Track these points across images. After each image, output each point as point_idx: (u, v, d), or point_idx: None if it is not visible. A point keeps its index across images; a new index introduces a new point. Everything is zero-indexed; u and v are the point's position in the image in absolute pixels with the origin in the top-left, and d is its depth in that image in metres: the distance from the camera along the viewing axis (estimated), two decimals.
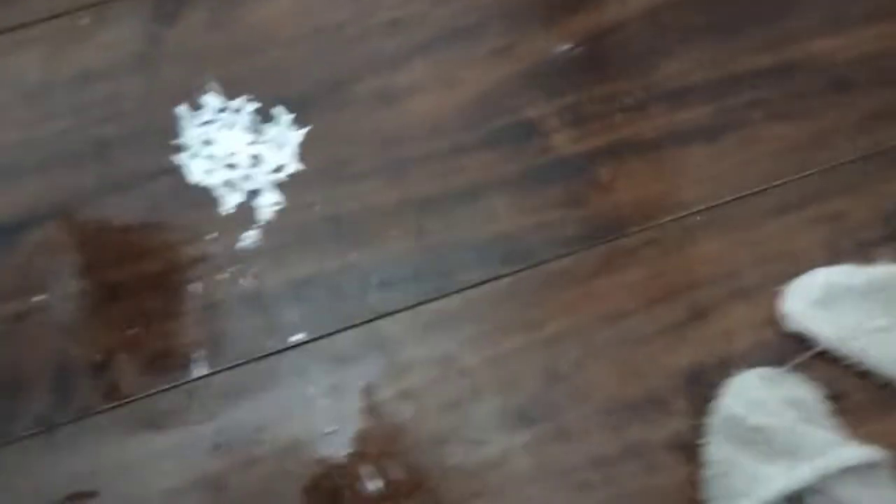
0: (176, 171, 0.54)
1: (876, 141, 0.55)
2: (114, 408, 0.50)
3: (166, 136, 0.54)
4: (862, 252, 0.53)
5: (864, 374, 0.50)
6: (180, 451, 0.49)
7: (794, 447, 0.46)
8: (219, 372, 0.51)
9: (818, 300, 0.51)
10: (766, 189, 0.54)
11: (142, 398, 0.50)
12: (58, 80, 0.55)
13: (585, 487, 0.49)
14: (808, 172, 0.54)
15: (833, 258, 0.53)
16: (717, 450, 0.48)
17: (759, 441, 0.47)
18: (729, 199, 0.54)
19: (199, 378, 0.50)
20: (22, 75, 0.55)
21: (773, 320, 0.52)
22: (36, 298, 0.52)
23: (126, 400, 0.50)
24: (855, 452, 0.45)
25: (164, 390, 0.50)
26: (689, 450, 0.49)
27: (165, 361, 0.51)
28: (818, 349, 0.50)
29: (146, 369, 0.51)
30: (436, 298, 0.52)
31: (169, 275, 0.52)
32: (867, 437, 0.49)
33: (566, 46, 0.56)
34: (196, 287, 0.52)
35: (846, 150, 0.55)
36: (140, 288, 0.52)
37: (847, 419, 0.50)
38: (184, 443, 0.49)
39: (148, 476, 0.49)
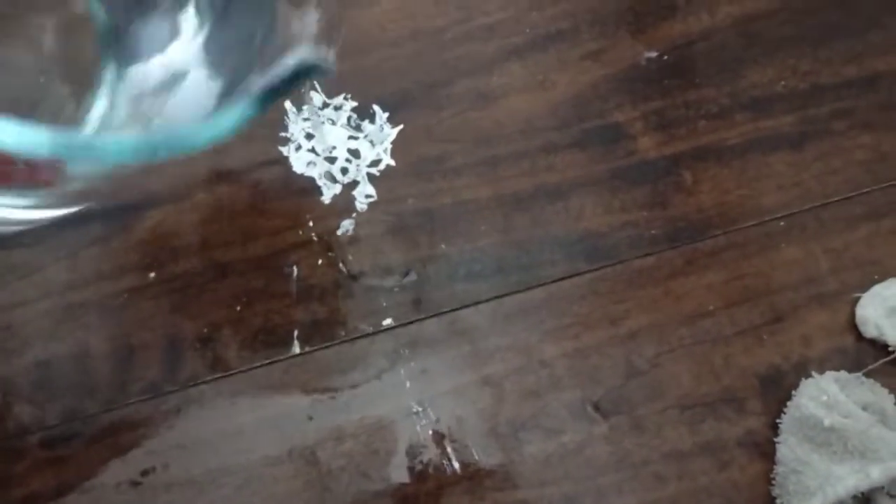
0: (281, 162, 0.57)
1: None
2: (217, 379, 0.54)
3: (274, 128, 0.58)
4: None
5: None
6: (277, 421, 0.53)
7: (867, 449, 0.47)
8: (314, 350, 0.54)
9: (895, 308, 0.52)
10: (848, 198, 0.55)
11: (243, 371, 0.54)
12: None
13: (659, 480, 0.51)
14: (890, 183, 0.55)
15: None
16: (790, 448, 0.49)
17: (832, 441, 0.48)
18: (811, 206, 0.55)
19: (297, 355, 0.54)
20: None
21: (850, 327, 0.53)
22: (151, 275, 0.56)
23: (229, 372, 0.54)
24: None
25: (263, 365, 0.54)
26: (761, 448, 0.51)
27: (266, 338, 0.54)
28: (894, 356, 0.51)
29: (248, 344, 0.54)
30: (519, 291, 0.55)
31: (272, 258, 0.56)
32: None
33: (654, 53, 0.58)
34: (296, 270, 0.55)
35: None
36: (245, 269, 0.56)
37: None
38: (281, 414, 0.53)
39: (248, 444, 0.52)
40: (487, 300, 0.55)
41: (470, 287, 0.55)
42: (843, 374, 0.51)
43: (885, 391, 0.51)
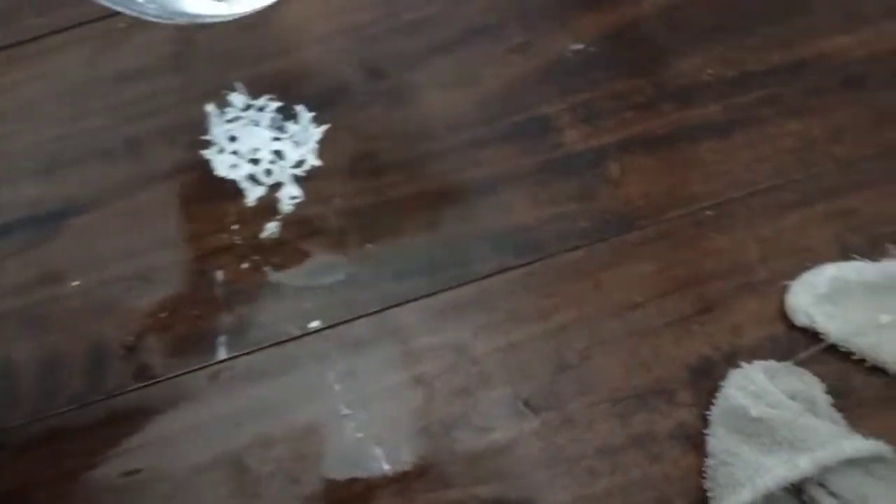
0: (204, 166, 0.56)
1: (889, 138, 0.55)
2: (143, 387, 0.53)
3: (196, 132, 0.57)
4: (873, 248, 0.53)
5: (872, 370, 0.51)
6: (204, 428, 0.52)
7: (795, 439, 0.47)
8: (241, 356, 0.53)
9: (826, 295, 0.51)
10: (777, 185, 0.55)
11: (169, 378, 0.53)
12: (96, 81, 0.58)
13: (591, 475, 0.50)
14: (819, 169, 0.55)
15: (843, 254, 0.53)
16: (720, 440, 0.49)
17: (760, 432, 0.47)
18: (740, 194, 0.55)
19: (223, 361, 0.53)
20: (63, 75, 0.59)
21: (781, 315, 0.53)
22: (74, 283, 0.55)
23: (155, 380, 0.53)
24: (856, 445, 0.46)
25: (189, 371, 0.53)
26: (693, 440, 0.51)
27: (192, 344, 0.53)
28: (826, 344, 0.51)
29: (174, 351, 0.53)
30: (449, 288, 0.54)
31: (196, 263, 0.55)
32: (874, 432, 0.49)
33: (580, 45, 0.58)
34: (221, 275, 0.54)
35: (858, 147, 0.55)
36: (169, 275, 0.55)
37: (854, 414, 0.50)
38: (208, 421, 0.52)
39: (175, 452, 0.52)
40: (417, 298, 0.54)
41: (399, 286, 0.54)
42: (772, 363, 0.50)
43: (814, 379, 0.50)
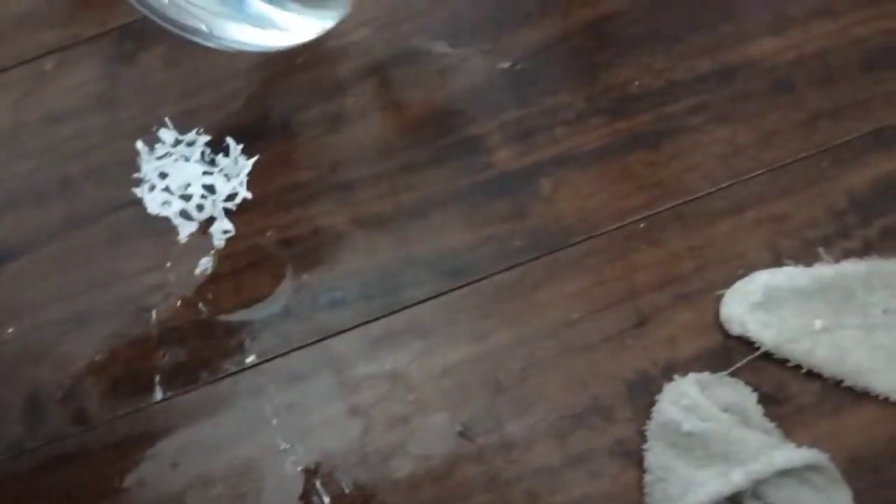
0: (136, 204, 0.56)
1: (820, 140, 0.55)
2: (81, 432, 0.53)
3: (126, 170, 0.57)
4: (806, 252, 0.53)
5: (809, 376, 0.51)
6: (143, 471, 0.52)
7: (728, 452, 0.46)
8: (177, 395, 0.53)
9: (759, 303, 0.51)
10: (708, 193, 0.54)
11: (106, 422, 0.53)
12: (26, 123, 0.58)
13: (531, 497, 0.50)
14: (751, 175, 0.55)
15: (777, 259, 0.53)
16: (655, 456, 0.49)
17: (694, 446, 0.47)
18: (671, 205, 0.54)
19: (160, 402, 0.53)
20: None
21: (716, 325, 0.52)
22: (9, 330, 0.55)
23: (92, 425, 0.53)
24: (789, 455, 0.46)
25: (126, 414, 0.53)
26: (632, 456, 0.50)
27: (128, 386, 0.53)
28: (760, 352, 0.51)
29: (110, 394, 0.53)
30: (384, 315, 0.54)
31: (130, 302, 0.55)
32: (816, 439, 0.49)
33: (508, 63, 0.58)
34: (155, 314, 0.54)
35: (790, 151, 0.55)
36: (104, 316, 0.54)
37: (792, 421, 0.50)
38: (146, 463, 0.52)
39: (114, 497, 0.51)
40: (353, 328, 0.54)
41: (334, 316, 0.54)
42: (705, 375, 0.50)
43: (747, 390, 0.50)
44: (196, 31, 0.49)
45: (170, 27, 0.49)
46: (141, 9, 0.48)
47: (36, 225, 0.57)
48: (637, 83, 0.57)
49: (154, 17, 0.49)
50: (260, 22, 0.50)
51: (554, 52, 0.58)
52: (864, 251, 0.53)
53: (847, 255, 0.53)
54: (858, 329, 0.50)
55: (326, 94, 0.58)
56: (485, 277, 0.54)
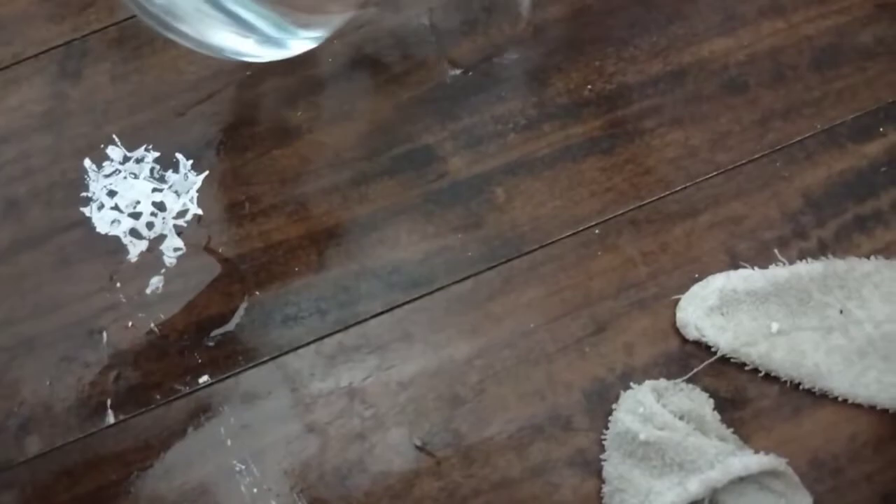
0: (84, 224, 0.55)
1: (773, 140, 0.55)
2: (31, 459, 0.52)
3: (74, 189, 0.56)
4: (762, 253, 0.53)
5: (766, 379, 0.50)
6: (98, 496, 0.51)
7: (684, 461, 0.46)
8: (129, 418, 0.52)
9: (715, 306, 0.51)
10: (662, 197, 0.54)
11: (57, 448, 0.52)
12: None
13: None
14: (705, 177, 0.54)
15: (732, 262, 0.53)
16: (613, 466, 0.48)
17: (651, 456, 0.47)
18: (624, 210, 0.54)
19: (111, 426, 0.52)
20: None
21: (674, 330, 0.52)
22: None
23: (42, 451, 0.52)
24: (745, 462, 0.45)
25: (78, 440, 0.52)
26: (591, 466, 0.50)
27: (79, 411, 0.52)
28: (717, 357, 0.50)
29: (61, 420, 0.52)
30: (338, 331, 0.53)
31: (80, 325, 0.54)
32: (776, 443, 0.49)
33: (458, 71, 0.57)
34: (106, 336, 0.53)
35: (743, 152, 0.54)
36: (53, 340, 0.53)
37: (751, 425, 0.50)
38: (100, 490, 0.51)
39: None
40: (307, 344, 0.53)
41: (288, 332, 0.53)
42: (661, 382, 0.50)
43: (703, 396, 0.49)
44: (177, 30, 0.48)
45: (151, 22, 0.47)
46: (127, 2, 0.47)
47: None
48: (588, 87, 0.56)
49: (137, 12, 0.47)
50: (244, 30, 0.49)
51: (503, 58, 0.57)
52: (820, 251, 0.52)
53: (803, 255, 0.52)
54: (815, 331, 0.50)
55: (276, 107, 0.57)
56: (439, 289, 0.53)
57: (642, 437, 0.47)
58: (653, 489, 0.46)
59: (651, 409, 0.48)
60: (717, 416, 0.49)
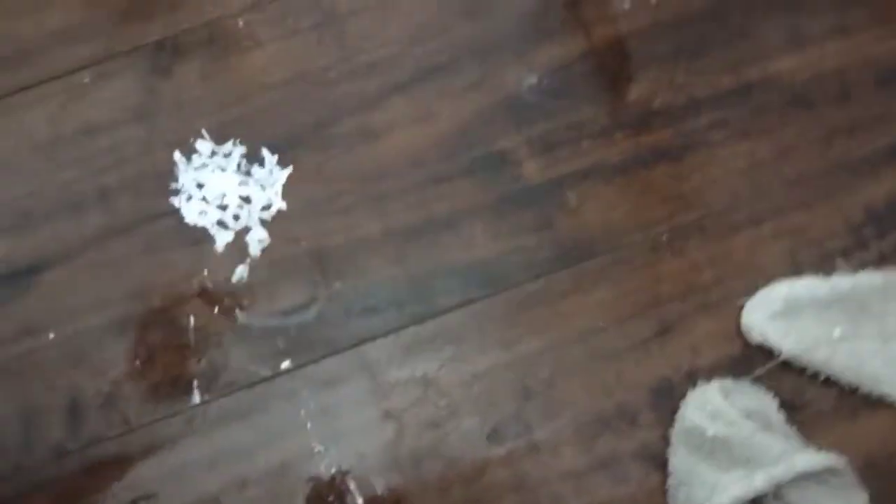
0: (173, 214, 0.58)
1: (836, 155, 0.57)
2: (121, 435, 0.54)
3: (163, 181, 0.59)
4: (824, 263, 0.55)
5: (826, 383, 0.52)
6: (181, 472, 0.53)
7: (751, 456, 0.48)
8: (214, 399, 0.54)
9: (779, 312, 0.53)
10: (728, 206, 0.56)
11: (145, 425, 0.54)
12: (63, 135, 0.60)
13: (557, 500, 0.52)
14: (769, 188, 0.56)
15: (796, 270, 0.55)
16: (679, 460, 0.50)
17: (717, 451, 0.49)
18: (693, 217, 0.56)
19: (197, 405, 0.54)
20: (31, 131, 0.60)
21: (738, 333, 0.54)
22: (50, 335, 0.56)
23: (131, 428, 0.54)
24: (809, 459, 0.47)
25: (165, 418, 0.54)
26: (656, 460, 0.52)
27: (166, 390, 0.55)
28: (780, 360, 0.52)
29: (149, 398, 0.55)
30: (416, 323, 0.55)
31: (168, 310, 0.56)
32: (833, 444, 0.51)
33: (534, 79, 0.59)
34: (193, 320, 0.56)
35: (807, 165, 0.57)
36: (143, 323, 0.56)
37: (810, 427, 0.52)
38: (185, 466, 0.53)
39: (153, 498, 0.53)
40: (385, 334, 0.55)
41: (367, 322, 0.56)
42: (728, 381, 0.52)
43: (769, 396, 0.52)
44: None
45: None
46: None
47: (74, 234, 0.58)
48: (659, 99, 0.59)
49: None
50: None
51: (577, 68, 0.60)
52: (879, 262, 0.55)
53: (864, 265, 0.55)
54: (875, 339, 0.52)
55: (358, 108, 0.59)
56: (512, 287, 0.56)
57: (710, 432, 0.49)
58: (719, 483, 0.48)
59: (719, 407, 0.50)
60: (782, 415, 0.51)
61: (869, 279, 0.53)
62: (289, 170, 0.59)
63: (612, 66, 0.60)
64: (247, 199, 0.58)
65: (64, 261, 0.58)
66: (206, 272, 0.57)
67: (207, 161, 0.59)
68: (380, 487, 0.52)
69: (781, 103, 0.58)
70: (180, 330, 0.56)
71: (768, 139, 0.57)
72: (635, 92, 0.59)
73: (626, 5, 0.60)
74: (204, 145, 0.59)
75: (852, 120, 0.57)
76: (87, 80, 0.61)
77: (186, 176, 0.59)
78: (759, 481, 0.47)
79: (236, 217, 0.58)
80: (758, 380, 0.53)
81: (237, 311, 0.56)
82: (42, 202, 0.59)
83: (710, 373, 0.53)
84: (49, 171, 0.59)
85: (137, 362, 0.55)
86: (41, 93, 0.61)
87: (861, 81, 0.58)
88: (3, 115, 0.61)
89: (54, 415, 0.55)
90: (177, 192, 0.59)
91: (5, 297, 0.57)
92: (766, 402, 0.51)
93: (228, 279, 0.57)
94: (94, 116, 0.60)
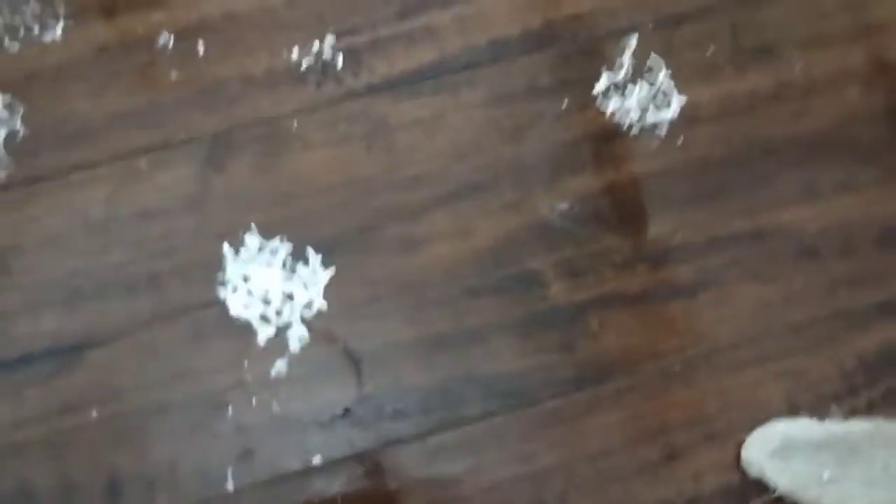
0: (219, 304, 0.61)
1: (837, 305, 0.62)
2: None
3: (211, 271, 0.62)
4: (819, 405, 0.60)
5: None
6: None
7: None
8: (248, 489, 0.58)
9: (776, 451, 0.58)
10: (735, 344, 0.61)
11: None
12: (118, 216, 0.63)
13: None
14: (775, 330, 0.62)
15: (793, 409, 0.60)
16: None
17: None
18: (702, 351, 0.61)
19: (230, 493, 0.58)
20: (86, 210, 0.63)
21: (737, 464, 0.59)
22: (93, 413, 0.59)
23: None
24: None
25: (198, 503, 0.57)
26: None
27: (202, 477, 0.58)
28: (774, 495, 0.57)
29: (184, 485, 0.58)
30: (441, 431, 0.59)
31: (208, 398, 0.59)
32: None
33: (565, 205, 0.64)
34: (231, 410, 0.59)
35: (811, 312, 0.62)
36: (182, 407, 0.59)
37: None
38: None
39: None
40: (410, 440, 0.59)
41: (395, 426, 0.60)
42: None
43: None
44: None
45: None
46: None
47: (123, 315, 0.61)
48: (679, 236, 0.63)
49: None
50: None
51: (605, 200, 0.64)
52: (868, 409, 0.60)
53: (853, 411, 0.60)
54: (861, 483, 0.57)
55: (401, 217, 0.63)
56: (533, 403, 0.60)
57: None
58: None
59: None
60: None
61: (861, 426, 0.59)
62: (331, 270, 0.62)
63: (636, 201, 0.64)
64: (290, 296, 0.62)
65: (111, 341, 0.60)
66: (246, 364, 0.60)
67: (255, 255, 0.62)
68: None
69: (791, 251, 0.63)
70: (219, 417, 0.59)
71: (777, 284, 0.63)
72: (657, 227, 0.64)
73: (654, 144, 0.65)
74: (252, 239, 0.63)
75: (853, 273, 0.63)
76: (143, 165, 0.64)
77: (234, 268, 0.62)
78: None
79: (279, 312, 0.61)
80: None
81: (274, 403, 0.60)
82: (93, 281, 0.62)
83: (711, 499, 0.58)
84: (102, 251, 0.62)
85: (176, 446, 0.58)
86: (100, 173, 0.63)
87: (864, 237, 0.64)
88: (61, 192, 0.63)
89: (92, 494, 0.58)
90: (224, 284, 0.62)
91: (52, 371, 0.60)
92: None
93: (268, 372, 0.60)
94: (148, 202, 0.63)
